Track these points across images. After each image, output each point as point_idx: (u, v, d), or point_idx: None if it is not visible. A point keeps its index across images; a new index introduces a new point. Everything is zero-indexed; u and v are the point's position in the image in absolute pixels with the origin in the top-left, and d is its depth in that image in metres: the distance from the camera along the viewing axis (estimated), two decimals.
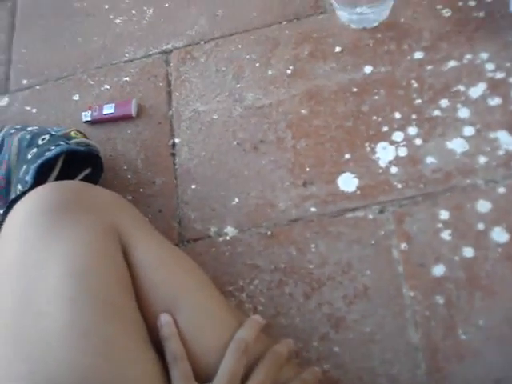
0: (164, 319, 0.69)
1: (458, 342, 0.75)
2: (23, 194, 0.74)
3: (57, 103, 1.10)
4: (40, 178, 0.86)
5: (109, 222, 0.73)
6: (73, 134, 0.95)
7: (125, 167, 0.99)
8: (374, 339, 0.78)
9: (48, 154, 0.87)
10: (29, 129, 0.96)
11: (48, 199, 0.71)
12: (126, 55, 1.10)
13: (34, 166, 0.86)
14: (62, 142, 0.90)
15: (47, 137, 0.91)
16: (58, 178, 0.89)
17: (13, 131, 0.96)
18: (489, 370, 0.74)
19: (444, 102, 0.89)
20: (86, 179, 0.93)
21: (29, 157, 0.89)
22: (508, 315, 0.75)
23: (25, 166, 0.88)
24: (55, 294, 0.63)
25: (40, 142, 0.90)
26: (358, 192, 0.87)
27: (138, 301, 0.70)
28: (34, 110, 1.10)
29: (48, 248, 0.67)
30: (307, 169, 0.90)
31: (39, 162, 0.86)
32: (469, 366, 0.74)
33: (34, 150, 0.89)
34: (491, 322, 0.76)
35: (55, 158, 0.88)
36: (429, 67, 0.92)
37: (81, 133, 0.97)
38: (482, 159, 0.84)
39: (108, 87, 1.08)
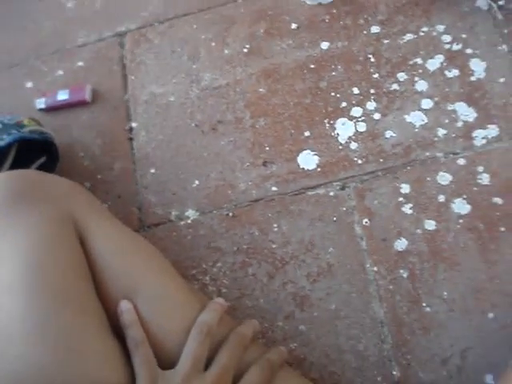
0: (124, 306, 0.68)
1: (423, 315, 0.76)
2: None
3: (9, 91, 1.06)
4: None
5: (65, 211, 0.71)
6: (26, 122, 0.92)
7: (81, 154, 0.97)
8: (339, 316, 0.78)
9: (0, 143, 0.84)
10: None
11: (1, 189, 0.69)
12: (80, 39, 1.07)
13: None
14: (14, 131, 0.87)
15: None
16: (11, 168, 0.87)
17: None
18: (454, 341, 0.74)
19: (401, 76, 0.89)
20: (41, 168, 0.91)
21: None
22: (471, 285, 0.76)
23: None
24: (9, 286, 0.61)
25: None
26: (319, 169, 0.86)
27: (98, 289, 0.68)
28: None
29: (1, 239, 0.65)
30: (267, 148, 0.89)
31: None
32: (434, 338, 0.74)
33: None
34: (455, 294, 0.76)
35: (8, 147, 0.86)
36: (385, 41, 0.92)
37: (34, 120, 0.94)
38: (441, 131, 0.84)
39: (62, 73, 1.05)
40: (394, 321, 0.76)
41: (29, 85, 1.06)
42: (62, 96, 1.01)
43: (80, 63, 1.05)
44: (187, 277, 0.83)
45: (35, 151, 0.91)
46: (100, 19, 1.08)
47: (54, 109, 1.02)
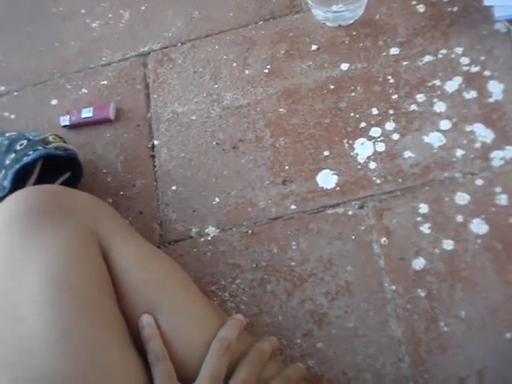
0: (145, 320, 0.69)
1: (441, 334, 0.76)
2: (1, 199, 0.74)
3: (35, 108, 1.09)
4: (18, 183, 0.85)
5: (88, 226, 0.72)
6: (51, 138, 0.94)
7: (104, 170, 0.99)
8: (357, 334, 0.79)
9: (26, 159, 0.86)
10: (7, 134, 0.95)
11: (26, 204, 0.71)
12: (104, 59, 1.10)
13: (11, 172, 0.85)
14: (39, 147, 0.89)
15: (25, 142, 0.91)
16: (36, 183, 0.89)
17: None
18: (471, 360, 0.74)
19: (420, 97, 0.90)
20: (65, 183, 0.93)
21: (7, 162, 0.88)
22: (489, 305, 0.76)
23: (3, 172, 0.87)
24: (34, 298, 0.63)
25: (18, 148, 0.90)
26: (338, 188, 0.87)
27: (120, 303, 0.70)
28: (13, 116, 1.09)
29: (27, 252, 0.66)
30: (286, 167, 0.90)
31: (17, 167, 0.85)
32: (452, 358, 0.75)
33: (12, 155, 0.89)
34: (472, 313, 0.76)
35: (33, 163, 0.88)
36: (404, 63, 0.93)
37: (59, 137, 0.96)
38: (459, 152, 0.85)
39: (86, 91, 1.08)
40: (412, 339, 0.76)
41: (54, 102, 1.08)
42: (86, 114, 1.03)
43: (104, 82, 1.07)
44: (207, 293, 0.84)
45: (60, 167, 0.93)
46: (124, 39, 1.11)
47: (78, 126, 1.04)
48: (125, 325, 0.68)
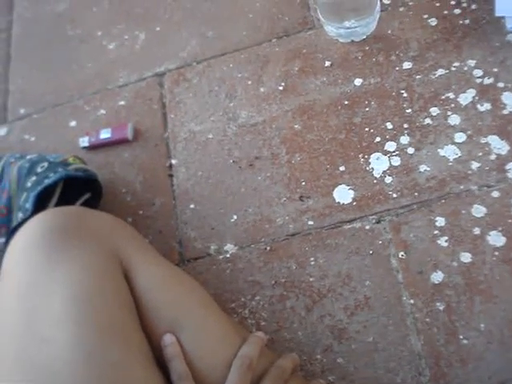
0: (168, 339, 0.70)
1: (460, 347, 0.76)
2: (24, 221, 0.75)
3: (54, 130, 1.11)
4: (40, 204, 0.87)
5: (110, 246, 0.74)
6: (71, 160, 0.96)
7: (124, 190, 1.00)
8: (376, 348, 0.79)
9: (47, 181, 0.88)
10: (28, 157, 0.97)
11: (49, 225, 0.72)
12: (121, 80, 1.12)
13: (33, 194, 0.87)
14: (60, 169, 0.91)
15: (46, 164, 0.92)
16: (57, 205, 0.90)
17: (12, 160, 0.97)
18: (492, 373, 0.74)
19: (434, 110, 0.90)
20: (85, 204, 0.94)
21: (28, 184, 0.90)
22: (508, 317, 0.76)
23: (25, 194, 0.89)
24: (59, 318, 0.64)
25: (39, 170, 0.91)
26: (354, 203, 0.88)
27: (142, 322, 0.71)
28: (33, 139, 1.11)
29: (51, 273, 0.68)
30: (303, 183, 0.91)
31: (39, 188, 0.87)
32: (472, 371, 0.75)
33: (34, 177, 0.91)
34: (492, 326, 0.76)
35: (54, 185, 0.90)
36: (418, 76, 0.94)
37: (79, 158, 0.98)
38: (475, 164, 0.85)
39: (104, 112, 1.09)
40: (432, 353, 0.77)
41: (72, 124, 1.10)
42: (105, 134, 1.05)
43: (121, 102, 1.09)
44: (226, 310, 0.85)
45: (80, 188, 0.95)
46: (140, 60, 1.13)
47: (96, 147, 1.06)
48: (147, 344, 0.69)
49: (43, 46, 1.23)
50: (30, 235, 0.72)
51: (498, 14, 0.92)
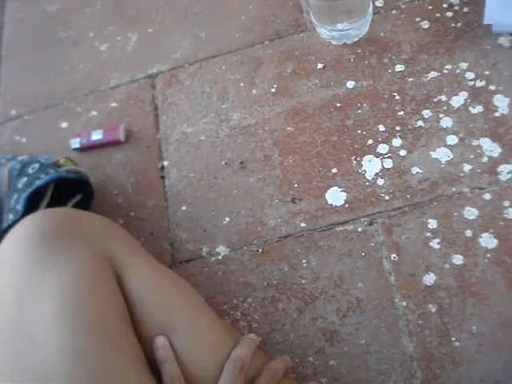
0: (160, 342, 0.70)
1: (453, 349, 0.76)
2: (14, 223, 0.75)
3: (46, 132, 1.11)
4: (31, 206, 0.87)
5: (101, 248, 0.73)
6: (62, 161, 0.96)
7: (115, 192, 1.00)
8: (369, 351, 0.79)
9: (38, 183, 0.88)
10: (19, 158, 0.97)
11: (39, 227, 0.72)
12: (113, 81, 1.12)
13: (24, 195, 0.86)
14: (51, 170, 0.91)
15: (37, 165, 0.92)
16: (48, 206, 0.90)
17: (3, 161, 0.96)
18: (484, 375, 0.74)
19: (426, 113, 0.91)
20: (77, 205, 0.94)
21: (19, 186, 0.89)
22: (500, 320, 0.76)
23: (16, 195, 0.89)
24: (50, 322, 0.64)
25: (30, 171, 0.91)
26: (347, 205, 0.88)
27: (134, 325, 0.70)
28: (24, 140, 1.11)
29: (42, 276, 0.67)
30: (295, 185, 0.91)
31: (29, 190, 0.87)
32: (464, 373, 0.75)
33: (25, 179, 0.90)
34: (484, 328, 0.76)
35: (45, 186, 0.89)
36: (410, 79, 0.94)
37: (70, 160, 0.98)
38: (467, 167, 0.85)
39: (96, 113, 1.09)
40: (424, 355, 0.77)
41: (64, 125, 1.10)
42: (96, 136, 1.04)
43: (113, 104, 1.09)
44: (219, 312, 0.85)
45: (71, 189, 0.94)
46: (132, 62, 1.13)
47: (88, 148, 1.05)
48: (139, 347, 0.69)
49: (35, 47, 1.22)
50: (20, 237, 0.71)
51: (486, 21, 0.92)
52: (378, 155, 0.90)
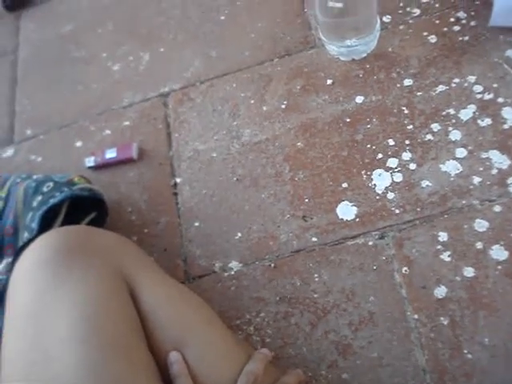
0: (173, 357, 0.70)
1: (465, 362, 0.76)
2: (30, 241, 0.76)
3: (60, 151, 1.13)
4: (45, 224, 0.88)
5: (115, 265, 0.74)
6: (76, 179, 0.97)
7: (129, 209, 1.01)
8: (381, 364, 0.79)
9: (52, 201, 0.89)
10: (34, 177, 0.98)
11: (55, 245, 0.73)
12: (125, 100, 1.14)
13: (39, 213, 0.88)
14: (65, 189, 0.92)
15: (51, 184, 0.94)
16: (63, 224, 0.91)
17: (19, 180, 0.98)
18: None
19: (435, 126, 0.91)
20: (91, 223, 0.95)
21: (34, 204, 0.91)
22: None
23: (31, 214, 0.90)
24: (65, 337, 0.64)
25: (45, 190, 0.93)
26: (357, 219, 0.89)
27: (148, 340, 0.71)
28: (39, 159, 1.13)
29: (57, 292, 0.68)
30: (306, 200, 0.92)
31: (44, 208, 0.88)
32: None
33: (39, 197, 0.92)
34: (496, 340, 0.76)
35: (60, 204, 0.91)
36: (418, 93, 0.95)
37: (84, 178, 0.99)
38: (476, 179, 0.86)
39: (109, 132, 1.11)
40: (436, 368, 0.77)
41: (78, 144, 1.12)
42: (110, 154, 1.06)
43: (126, 123, 1.11)
44: (231, 327, 0.86)
45: (85, 207, 0.96)
46: (144, 81, 1.15)
47: (102, 167, 1.07)
48: (153, 362, 0.70)
49: (49, 68, 1.25)
50: (35, 255, 0.72)
51: (492, 24, 0.93)
52: (387, 169, 0.90)
